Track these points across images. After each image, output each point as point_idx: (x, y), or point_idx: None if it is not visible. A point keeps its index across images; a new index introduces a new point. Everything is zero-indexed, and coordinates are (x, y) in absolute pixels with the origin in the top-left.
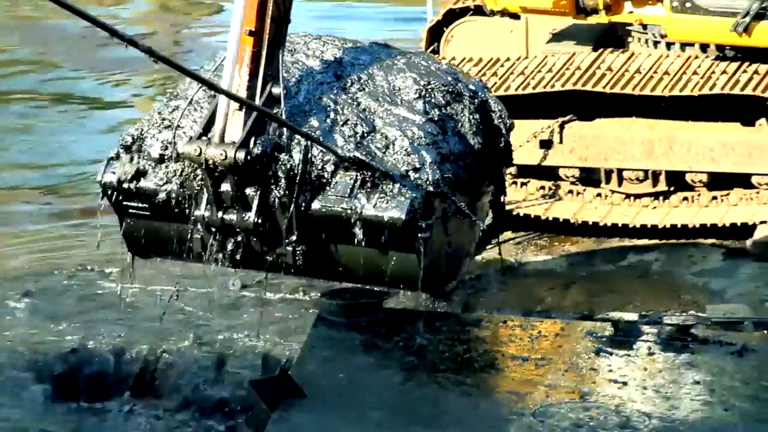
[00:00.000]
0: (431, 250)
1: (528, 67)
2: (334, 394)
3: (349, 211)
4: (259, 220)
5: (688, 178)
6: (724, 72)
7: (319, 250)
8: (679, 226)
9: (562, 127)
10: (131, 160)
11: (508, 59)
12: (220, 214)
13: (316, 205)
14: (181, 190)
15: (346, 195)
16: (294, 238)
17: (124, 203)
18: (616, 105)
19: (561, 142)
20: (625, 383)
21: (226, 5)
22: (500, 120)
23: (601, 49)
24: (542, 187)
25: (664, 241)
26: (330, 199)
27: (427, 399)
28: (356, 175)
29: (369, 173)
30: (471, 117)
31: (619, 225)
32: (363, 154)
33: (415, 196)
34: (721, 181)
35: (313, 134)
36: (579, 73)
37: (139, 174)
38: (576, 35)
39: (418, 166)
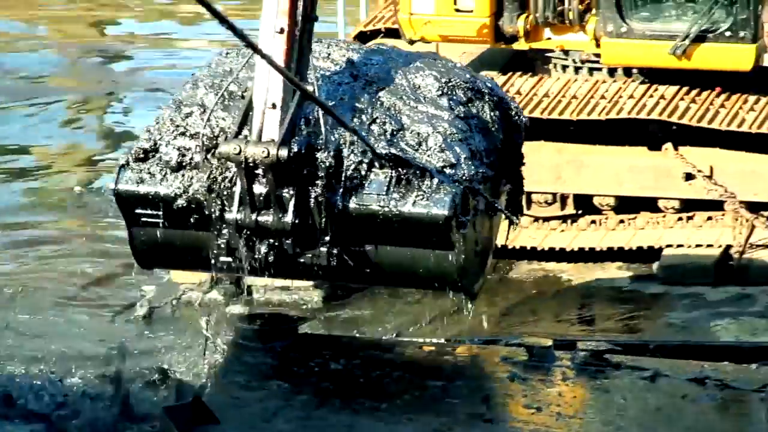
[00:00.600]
0: (465, 247)
1: None
2: (248, 420)
3: (386, 210)
4: (296, 221)
5: (596, 201)
6: (631, 96)
7: (351, 252)
8: (587, 249)
9: None
10: (146, 167)
11: None
12: (254, 216)
13: (351, 204)
14: (207, 194)
15: (383, 193)
16: (328, 238)
17: (137, 211)
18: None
19: None
20: (539, 408)
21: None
22: (517, 117)
23: (510, 73)
24: None
25: (572, 265)
26: (366, 198)
27: (341, 424)
28: (390, 173)
29: (404, 171)
30: (492, 114)
31: (528, 248)
32: (398, 152)
33: (455, 191)
34: (628, 205)
35: (345, 133)
36: None
37: (156, 181)
38: (485, 60)
39: (453, 162)
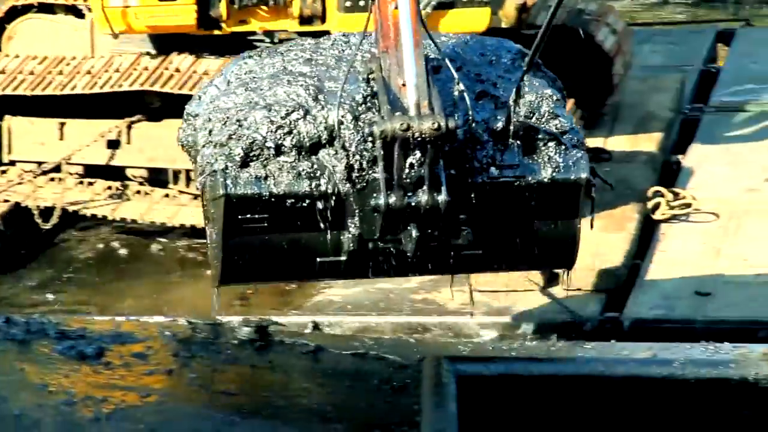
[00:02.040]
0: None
1: (95, 67)
2: None
3: (523, 179)
4: (450, 198)
5: None
6: None
7: (483, 233)
8: None
9: (129, 127)
10: (259, 168)
11: (74, 58)
12: (406, 198)
13: (487, 178)
14: (345, 185)
15: (515, 163)
16: (465, 216)
17: (242, 217)
18: (183, 106)
19: (129, 142)
20: (202, 386)
21: None
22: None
23: (170, 53)
24: (109, 187)
25: None
26: (499, 170)
27: None
28: (515, 143)
29: (529, 140)
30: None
31: (188, 225)
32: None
33: (585, 154)
34: None
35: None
36: (147, 74)
37: (279, 180)
38: (143, 38)
39: (567, 127)
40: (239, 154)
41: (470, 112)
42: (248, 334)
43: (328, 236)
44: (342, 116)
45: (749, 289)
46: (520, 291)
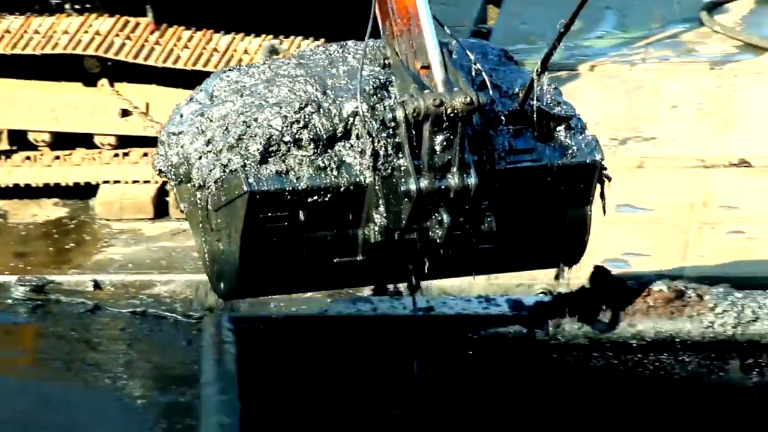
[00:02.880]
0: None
1: None
2: None
3: (540, 163)
4: (479, 180)
5: (31, 137)
6: (65, 32)
7: (499, 222)
8: (22, 185)
9: None
10: (278, 162)
11: None
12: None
13: (503, 164)
14: (371, 173)
15: (531, 147)
16: (488, 203)
17: (265, 215)
18: None
19: None
20: None
21: None
22: None
23: None
24: None
25: (8, 201)
26: (516, 155)
27: None
28: (525, 128)
29: (540, 124)
30: None
31: None
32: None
33: (595, 137)
34: (64, 141)
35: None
36: None
37: (302, 174)
38: None
39: (571, 113)
40: (258, 150)
41: (490, 92)
42: (24, 294)
43: (353, 231)
44: (360, 103)
45: None
46: None
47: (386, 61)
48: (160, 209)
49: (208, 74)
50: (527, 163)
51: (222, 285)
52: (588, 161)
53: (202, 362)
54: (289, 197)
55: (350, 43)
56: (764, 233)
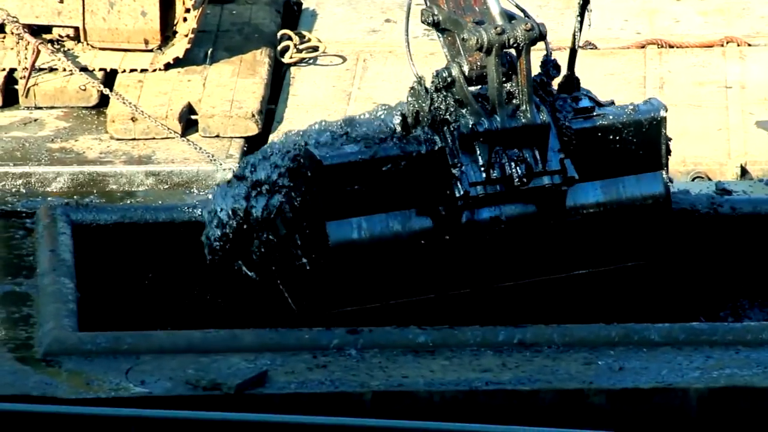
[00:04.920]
0: None
1: None
2: None
3: (606, 120)
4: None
5: None
6: None
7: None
8: None
9: None
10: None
11: None
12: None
13: (570, 122)
14: (438, 129)
15: (590, 106)
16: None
17: (343, 191)
18: None
19: None
20: None
21: None
22: None
23: None
24: None
25: None
26: (581, 113)
27: None
28: (582, 94)
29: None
30: None
31: None
32: None
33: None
34: None
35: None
36: None
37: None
38: None
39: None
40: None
41: (550, 45)
42: None
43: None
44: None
45: None
46: (159, 139)
47: (435, 18)
48: (8, 97)
49: None
50: (594, 122)
51: (300, 299)
52: (652, 116)
53: (38, 255)
54: (362, 168)
55: None
56: None
